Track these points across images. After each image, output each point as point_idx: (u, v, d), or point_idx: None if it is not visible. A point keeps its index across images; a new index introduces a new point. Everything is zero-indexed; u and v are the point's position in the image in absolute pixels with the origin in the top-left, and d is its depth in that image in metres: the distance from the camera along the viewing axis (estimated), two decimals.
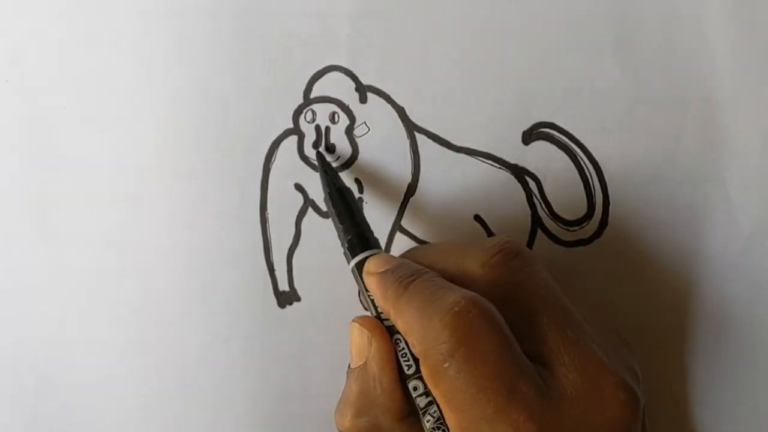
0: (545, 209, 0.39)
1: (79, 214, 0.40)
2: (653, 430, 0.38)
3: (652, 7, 0.38)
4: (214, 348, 0.40)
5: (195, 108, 0.39)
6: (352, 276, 0.35)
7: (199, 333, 0.40)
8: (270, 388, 0.40)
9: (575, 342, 0.31)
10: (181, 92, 0.39)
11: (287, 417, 0.40)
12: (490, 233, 0.39)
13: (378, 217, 0.39)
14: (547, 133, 0.38)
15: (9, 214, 0.40)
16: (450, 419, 0.30)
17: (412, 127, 0.39)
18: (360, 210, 0.37)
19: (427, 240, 0.39)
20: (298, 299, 0.40)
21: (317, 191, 0.39)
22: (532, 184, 0.39)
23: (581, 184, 0.39)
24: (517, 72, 0.38)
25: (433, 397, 0.31)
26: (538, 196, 0.39)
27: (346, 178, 0.39)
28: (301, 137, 0.39)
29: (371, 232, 0.36)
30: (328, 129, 0.39)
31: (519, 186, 0.39)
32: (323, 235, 0.39)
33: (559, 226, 0.39)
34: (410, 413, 0.33)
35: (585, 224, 0.39)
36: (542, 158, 0.39)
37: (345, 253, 0.36)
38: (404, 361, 0.33)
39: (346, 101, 0.39)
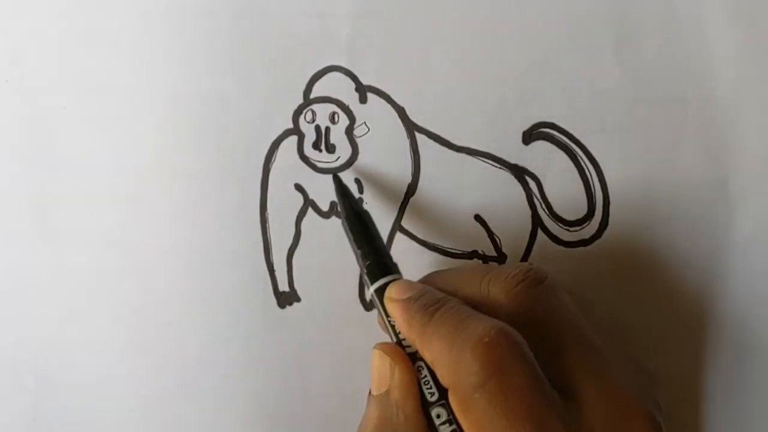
0: (545, 209, 0.39)
1: (79, 214, 0.40)
2: None
3: (652, 7, 0.38)
4: (214, 348, 0.40)
5: (195, 108, 0.39)
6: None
7: (199, 333, 0.40)
8: (270, 388, 0.40)
9: (601, 375, 0.31)
10: (181, 92, 0.39)
11: (287, 417, 0.40)
12: (490, 233, 0.39)
13: (378, 217, 0.39)
14: (547, 133, 0.38)
15: (9, 214, 0.40)
16: None
17: (412, 127, 0.39)
18: (378, 234, 0.36)
19: (428, 240, 0.39)
20: (298, 299, 0.40)
21: (317, 191, 0.39)
22: (532, 184, 0.39)
23: (581, 184, 0.39)
24: (517, 72, 0.38)
25: (458, 425, 0.31)
26: (538, 196, 0.39)
27: (346, 178, 0.39)
28: (301, 137, 0.39)
29: (390, 257, 0.36)
30: (328, 129, 0.39)
31: (519, 186, 0.39)
32: (323, 235, 0.39)
33: (560, 226, 0.39)
34: None
35: (585, 224, 0.39)
36: (542, 158, 0.39)
37: (364, 279, 0.36)
38: (427, 389, 0.32)
39: (346, 101, 0.39)
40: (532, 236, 0.39)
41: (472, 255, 0.39)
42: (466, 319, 0.31)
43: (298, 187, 0.39)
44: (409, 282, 0.35)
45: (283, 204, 0.39)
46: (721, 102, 0.38)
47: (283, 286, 0.40)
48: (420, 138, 0.39)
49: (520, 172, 0.39)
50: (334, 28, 0.38)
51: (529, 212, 0.39)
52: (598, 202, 0.39)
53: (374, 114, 0.39)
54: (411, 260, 0.38)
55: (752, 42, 0.37)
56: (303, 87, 0.39)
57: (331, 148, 0.39)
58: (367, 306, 0.39)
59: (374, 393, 0.34)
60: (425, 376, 0.32)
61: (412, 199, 0.39)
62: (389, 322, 0.34)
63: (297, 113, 0.39)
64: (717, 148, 0.38)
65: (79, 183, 0.40)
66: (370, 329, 0.37)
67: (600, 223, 0.39)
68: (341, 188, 0.38)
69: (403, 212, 0.39)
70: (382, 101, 0.38)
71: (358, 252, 0.36)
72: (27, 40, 0.39)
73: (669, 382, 0.39)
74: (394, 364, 0.33)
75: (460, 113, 0.38)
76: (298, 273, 0.40)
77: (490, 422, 0.29)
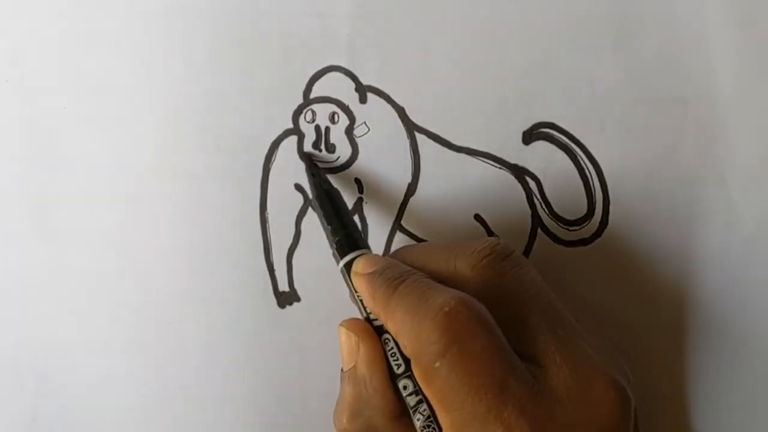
0: (545, 209, 0.39)
1: (79, 214, 0.40)
2: (653, 429, 0.38)
3: (652, 7, 0.38)
4: (214, 348, 0.40)
5: (195, 108, 0.39)
6: (339, 271, 0.35)
7: (199, 333, 0.40)
8: (270, 388, 0.40)
9: (566, 341, 0.32)
10: (181, 92, 0.39)
11: (287, 417, 0.40)
12: (490, 233, 0.39)
13: (378, 216, 0.39)
14: (547, 133, 0.38)
15: (9, 214, 0.40)
16: (442, 418, 0.30)
17: (412, 127, 0.39)
18: (348, 211, 0.37)
19: (427, 239, 0.39)
20: (298, 299, 0.40)
21: None
22: (532, 184, 0.39)
23: (581, 184, 0.39)
24: (517, 72, 0.38)
25: (423, 396, 0.31)
26: (538, 196, 0.39)
27: (347, 178, 0.39)
28: (301, 137, 0.39)
29: (359, 233, 0.36)
30: (328, 129, 0.39)
31: (519, 186, 0.39)
32: (323, 235, 0.39)
33: (560, 225, 0.39)
34: (404, 413, 0.33)
35: (585, 224, 0.39)
36: (542, 158, 0.39)
37: (333, 254, 0.36)
38: (393, 360, 0.33)
39: (346, 101, 0.39)
40: (532, 236, 0.39)
41: None
42: (428, 290, 0.31)
43: (298, 187, 0.39)
44: (375, 256, 0.35)
45: (283, 204, 0.39)
46: (721, 102, 0.38)
47: (283, 286, 0.40)
48: (420, 138, 0.39)
49: (520, 172, 0.39)
50: (334, 28, 0.38)
51: (529, 212, 0.39)
52: (598, 201, 0.39)
53: (374, 114, 0.39)
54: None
55: (752, 42, 0.37)
56: (303, 87, 0.39)
57: (331, 148, 0.39)
58: None
59: (344, 369, 0.34)
60: (392, 348, 0.33)
61: (412, 199, 0.39)
62: (358, 297, 0.34)
63: (297, 113, 0.39)
64: (717, 148, 0.38)
65: (79, 183, 0.40)
66: None
67: (600, 223, 0.39)
68: (311, 167, 0.38)
69: (403, 212, 0.39)
70: (382, 101, 0.38)
71: (328, 228, 0.36)
72: (27, 40, 0.40)
73: (668, 381, 0.39)
74: (359, 340, 0.33)
75: (460, 113, 0.38)
76: (298, 273, 0.40)
77: (452, 390, 0.30)
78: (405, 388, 0.32)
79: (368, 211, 0.39)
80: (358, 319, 0.34)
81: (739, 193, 0.38)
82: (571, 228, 0.39)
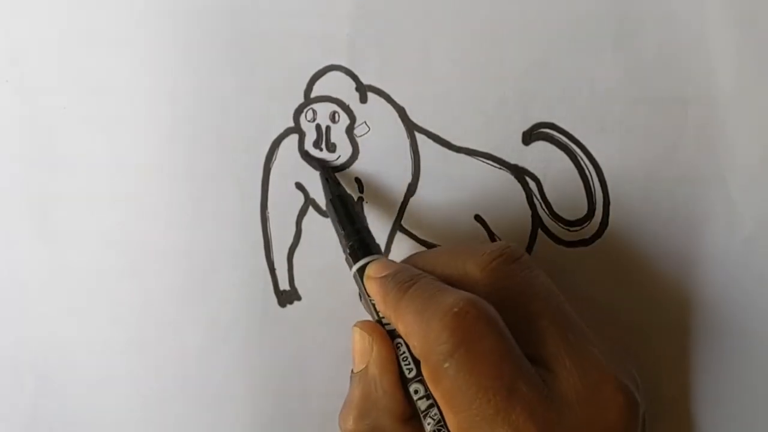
0: (545, 209, 0.39)
1: (79, 214, 0.40)
2: (653, 429, 0.38)
3: (652, 7, 0.38)
4: (214, 348, 0.40)
5: (195, 108, 0.39)
6: (352, 275, 0.35)
7: (199, 333, 0.40)
8: (270, 388, 0.40)
9: (575, 345, 0.32)
10: (181, 92, 0.39)
11: (287, 417, 0.40)
12: (490, 233, 0.39)
13: (378, 216, 0.39)
14: (547, 133, 0.38)
15: (9, 214, 0.40)
16: (450, 420, 0.30)
17: (412, 127, 0.39)
18: (361, 216, 0.37)
19: (428, 239, 0.39)
20: (299, 298, 0.40)
21: (318, 190, 0.39)
22: (532, 184, 0.39)
23: (581, 184, 0.39)
24: (517, 72, 0.38)
25: (434, 400, 0.31)
26: (538, 197, 0.39)
27: (347, 178, 0.39)
28: (301, 136, 0.39)
29: (372, 238, 0.37)
30: (328, 128, 0.39)
31: (519, 186, 0.39)
32: (324, 234, 0.39)
33: (560, 226, 0.39)
34: (412, 416, 0.33)
35: (585, 224, 0.39)
36: (542, 158, 0.39)
37: (347, 259, 0.36)
38: (405, 364, 0.33)
39: (347, 101, 0.39)
40: (532, 236, 0.39)
41: None
42: (438, 292, 0.32)
43: (299, 186, 0.39)
44: (387, 261, 0.35)
45: (284, 203, 0.39)
46: (721, 102, 0.38)
47: (284, 285, 0.40)
48: (420, 138, 0.39)
49: (520, 172, 0.39)
50: (334, 28, 0.38)
51: (529, 212, 0.39)
52: (598, 202, 0.39)
53: (374, 113, 0.39)
54: None
55: (752, 42, 0.37)
56: (303, 86, 0.39)
57: (331, 147, 0.39)
58: None
59: (355, 370, 0.34)
60: (404, 352, 0.33)
61: (412, 199, 0.39)
62: (370, 301, 0.34)
63: (297, 112, 0.39)
64: (717, 148, 0.38)
65: (79, 183, 0.40)
66: None
67: (600, 223, 0.39)
68: (326, 172, 0.38)
69: (404, 212, 0.39)
70: (383, 101, 0.39)
71: (342, 233, 0.36)
72: (27, 40, 0.40)
73: (669, 381, 0.39)
74: (372, 340, 0.33)
75: (460, 113, 0.38)
76: (298, 272, 0.40)
77: (460, 391, 0.30)
78: (416, 392, 0.32)
79: (368, 210, 0.39)
80: (373, 321, 0.35)
81: (739, 193, 0.38)
82: (571, 228, 0.39)
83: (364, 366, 0.34)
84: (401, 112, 0.39)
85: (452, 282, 0.33)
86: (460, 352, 0.30)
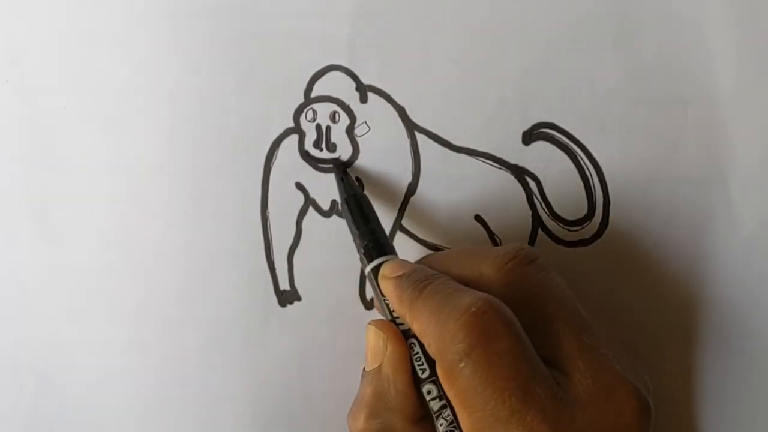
0: (545, 209, 0.39)
1: (79, 214, 0.40)
2: (654, 430, 0.38)
3: (652, 7, 0.38)
4: (214, 348, 0.40)
5: (195, 107, 0.39)
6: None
7: (199, 333, 0.40)
8: (270, 387, 0.40)
9: (590, 348, 0.32)
10: (181, 92, 0.39)
11: (287, 417, 0.40)
12: (490, 233, 0.39)
13: (378, 216, 0.39)
14: (547, 133, 0.38)
15: (9, 214, 0.40)
16: (464, 420, 0.30)
17: (412, 127, 0.39)
18: (375, 216, 0.37)
19: (428, 239, 0.39)
20: (299, 298, 0.40)
21: (318, 190, 0.39)
22: (532, 184, 0.39)
23: (581, 184, 0.39)
24: (517, 72, 0.38)
25: (447, 401, 0.31)
26: (539, 197, 0.39)
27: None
28: (301, 136, 0.39)
29: (386, 238, 0.37)
30: (328, 128, 0.39)
31: (519, 186, 0.39)
32: (324, 234, 0.39)
33: (560, 226, 0.39)
34: (423, 416, 0.33)
35: (586, 224, 0.39)
36: (542, 158, 0.39)
37: (361, 258, 0.36)
38: (418, 365, 0.33)
39: (347, 101, 0.39)
40: (533, 236, 0.39)
41: None
42: (455, 292, 0.32)
43: (299, 186, 0.39)
44: (402, 261, 0.35)
45: (284, 203, 0.39)
46: (721, 102, 0.38)
47: (284, 285, 0.40)
48: (420, 138, 0.39)
49: (520, 172, 0.39)
50: (334, 28, 0.38)
51: (529, 212, 0.39)
52: (598, 202, 0.39)
53: (375, 113, 0.39)
54: (411, 260, 0.38)
55: (752, 42, 0.37)
56: (304, 86, 0.39)
57: (331, 147, 0.39)
58: (368, 305, 0.39)
59: (367, 369, 0.34)
60: (417, 352, 0.33)
61: (412, 199, 0.39)
62: (384, 301, 0.34)
63: (298, 112, 0.39)
64: (717, 148, 0.38)
65: (79, 183, 0.40)
66: None
67: (600, 223, 0.39)
68: (341, 171, 0.38)
69: (403, 212, 0.39)
70: (383, 101, 0.39)
71: (356, 232, 0.36)
72: (27, 40, 0.40)
73: (669, 380, 0.39)
74: (386, 339, 0.33)
75: (460, 113, 0.38)
76: (298, 272, 0.40)
77: (476, 391, 0.29)
78: (429, 392, 0.32)
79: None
80: (387, 320, 0.35)
81: (739, 193, 0.38)
82: (571, 228, 0.39)
83: (377, 365, 0.34)
84: (401, 112, 0.39)
85: (467, 283, 0.33)
86: (477, 351, 0.30)
